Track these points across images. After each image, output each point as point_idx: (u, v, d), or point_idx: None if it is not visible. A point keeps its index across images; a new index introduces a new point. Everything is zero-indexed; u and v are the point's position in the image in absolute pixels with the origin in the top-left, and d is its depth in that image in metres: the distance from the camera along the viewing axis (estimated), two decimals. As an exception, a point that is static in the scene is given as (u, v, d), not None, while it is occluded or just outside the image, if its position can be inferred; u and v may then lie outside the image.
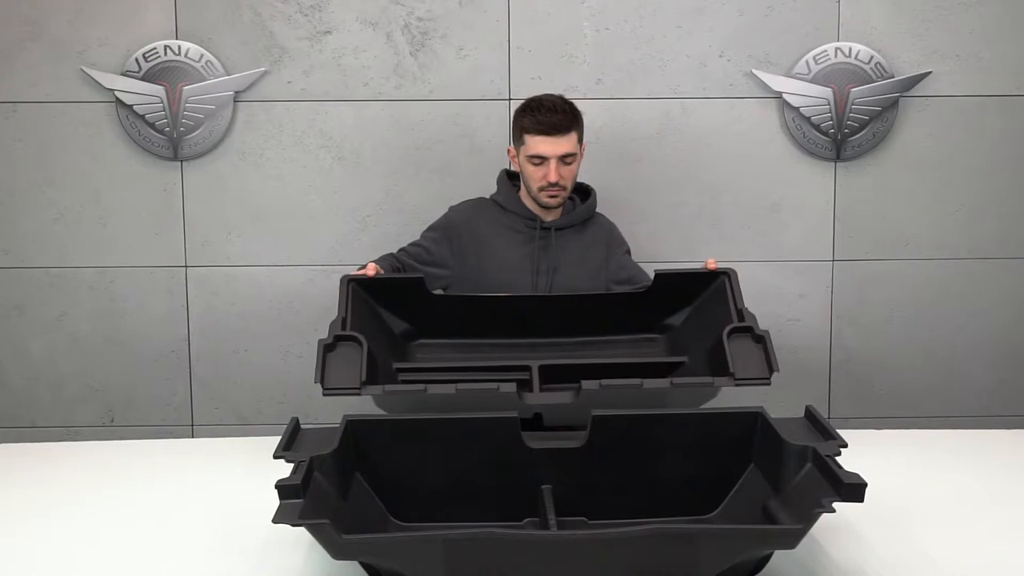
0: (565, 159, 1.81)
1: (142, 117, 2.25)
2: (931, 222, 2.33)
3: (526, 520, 1.25)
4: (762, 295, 2.33)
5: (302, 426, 1.25)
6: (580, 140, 1.86)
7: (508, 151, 1.93)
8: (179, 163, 2.28)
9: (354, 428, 1.23)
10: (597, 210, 2.03)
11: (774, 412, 2.48)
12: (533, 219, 1.88)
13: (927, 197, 2.32)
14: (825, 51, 2.25)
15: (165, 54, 2.24)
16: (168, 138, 2.26)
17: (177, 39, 2.24)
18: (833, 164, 2.30)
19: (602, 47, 2.26)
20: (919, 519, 1.27)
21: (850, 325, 2.35)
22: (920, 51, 2.26)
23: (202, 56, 2.24)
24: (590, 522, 1.24)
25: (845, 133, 2.27)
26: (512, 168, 1.95)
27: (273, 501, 1.30)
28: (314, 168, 2.29)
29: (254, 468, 1.46)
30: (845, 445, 1.15)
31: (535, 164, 1.82)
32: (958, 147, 2.30)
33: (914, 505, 1.32)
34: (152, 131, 2.26)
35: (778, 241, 2.33)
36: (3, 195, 2.29)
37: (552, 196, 1.84)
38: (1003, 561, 1.15)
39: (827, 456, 1.10)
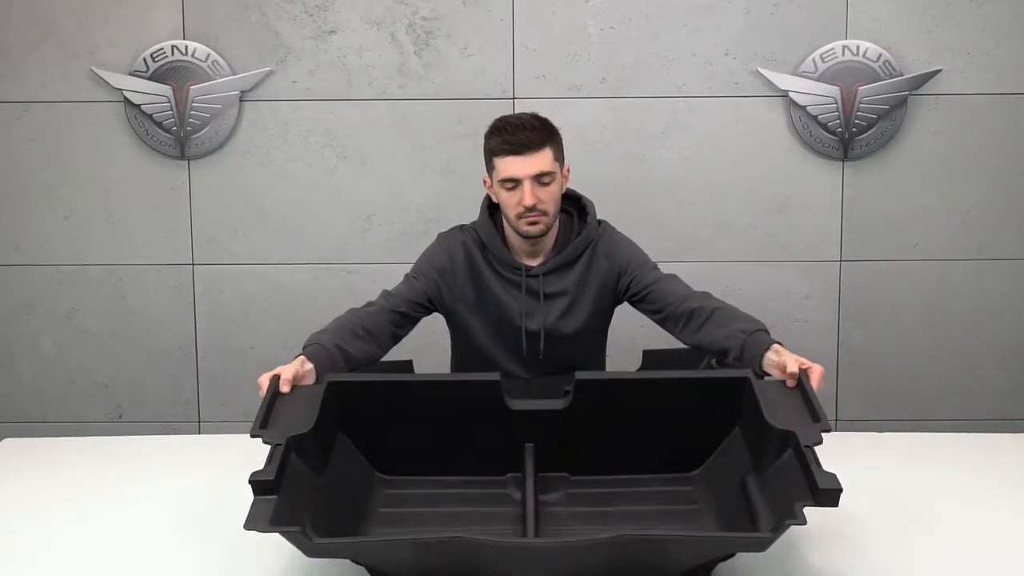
0: (541, 179, 1.61)
1: (150, 116, 2.34)
2: (941, 222, 2.36)
3: (508, 475, 1.30)
4: (769, 295, 2.38)
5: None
6: (559, 159, 1.65)
7: (484, 181, 1.71)
8: (186, 162, 2.37)
9: (336, 390, 1.27)
10: (606, 221, 1.80)
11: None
12: (518, 268, 1.70)
13: (937, 197, 2.35)
14: (832, 49, 2.29)
15: (172, 54, 2.32)
16: (175, 137, 2.35)
17: (184, 39, 2.33)
18: (841, 163, 2.34)
19: (607, 46, 2.32)
20: (923, 523, 1.27)
21: (858, 326, 2.40)
22: (930, 49, 2.30)
23: (209, 56, 2.32)
24: (572, 478, 1.29)
25: (853, 132, 2.31)
26: (492, 198, 1.73)
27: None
28: (319, 167, 2.37)
29: (260, 464, 1.52)
30: (828, 429, 1.16)
31: (508, 189, 1.62)
32: (968, 146, 2.33)
33: (918, 509, 1.32)
34: (159, 130, 2.35)
35: (785, 241, 2.38)
36: (15, 194, 2.39)
37: (532, 223, 1.63)
38: (1006, 569, 1.15)
39: (807, 447, 1.11)
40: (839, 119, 2.31)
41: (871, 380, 2.42)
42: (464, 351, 1.79)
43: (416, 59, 2.33)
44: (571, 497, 1.30)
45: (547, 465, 1.28)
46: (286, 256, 2.40)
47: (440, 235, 1.79)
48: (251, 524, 1.03)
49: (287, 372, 1.33)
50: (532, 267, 1.71)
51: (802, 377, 1.28)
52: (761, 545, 1.04)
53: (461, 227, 1.77)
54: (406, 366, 1.65)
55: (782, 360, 1.34)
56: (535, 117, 1.65)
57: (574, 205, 1.77)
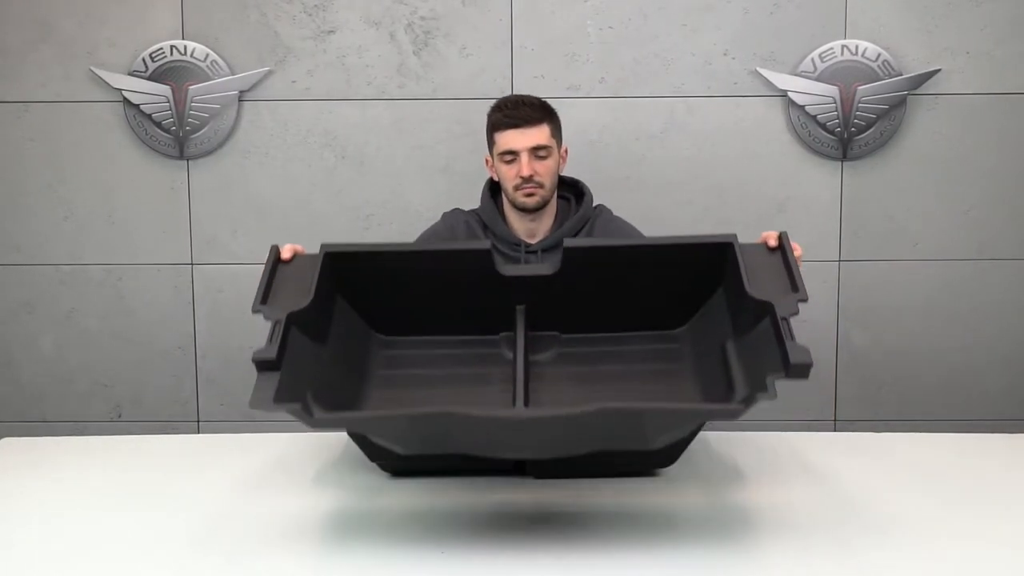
0: (538, 152, 1.73)
1: (149, 116, 2.36)
2: (941, 222, 2.37)
3: (501, 335, 1.38)
4: (767, 295, 2.40)
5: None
6: (555, 136, 1.77)
7: (485, 161, 1.84)
8: (185, 162, 2.39)
9: (333, 260, 1.33)
10: (603, 205, 1.92)
11: (780, 415, 2.54)
12: (518, 244, 1.79)
13: (936, 197, 2.36)
14: (831, 48, 2.30)
15: (171, 54, 2.34)
16: (174, 137, 2.37)
17: (183, 39, 2.34)
18: (840, 163, 2.35)
19: (606, 46, 2.33)
20: (921, 524, 1.28)
21: (857, 326, 2.41)
22: (929, 48, 2.31)
23: (208, 56, 2.34)
24: (563, 336, 1.38)
25: (852, 132, 2.32)
26: (493, 177, 1.86)
27: (275, 497, 1.39)
28: (318, 167, 2.38)
29: (258, 464, 1.54)
30: (805, 299, 1.23)
31: (507, 162, 1.74)
32: (968, 146, 2.34)
33: (916, 510, 1.33)
34: (159, 130, 2.36)
35: (784, 241, 2.38)
36: (15, 193, 2.41)
37: (528, 195, 1.73)
38: (1006, 570, 1.15)
39: (783, 319, 1.17)
40: (838, 119, 2.32)
41: (870, 380, 2.43)
42: None
43: (415, 59, 2.35)
44: (561, 356, 1.38)
45: (539, 325, 1.35)
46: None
47: (444, 213, 1.90)
48: (256, 403, 1.09)
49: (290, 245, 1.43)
50: (531, 244, 1.78)
51: (783, 239, 1.35)
52: (733, 415, 1.10)
53: (463, 209, 1.89)
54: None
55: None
56: (535, 98, 1.79)
57: (572, 192, 1.87)
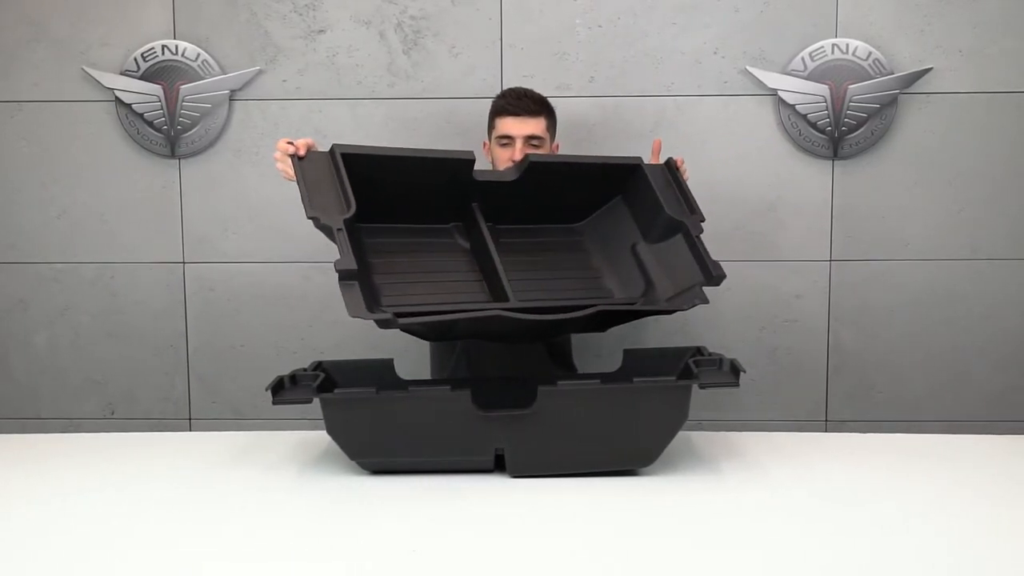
0: (531, 141, 1.95)
1: (140, 116, 2.44)
2: (933, 222, 2.42)
3: (451, 224, 1.79)
4: (758, 295, 2.46)
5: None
6: (550, 131, 2.00)
7: (483, 145, 2.08)
8: (176, 161, 2.47)
9: (344, 159, 1.64)
10: None
11: (772, 415, 2.59)
12: None
13: (928, 196, 2.42)
14: (822, 47, 2.35)
15: (163, 54, 2.42)
16: (166, 136, 2.44)
17: (175, 39, 2.42)
18: (831, 162, 2.41)
19: (595, 44, 2.39)
20: (910, 526, 1.30)
21: (848, 326, 2.46)
22: (921, 47, 2.36)
23: (199, 55, 2.41)
24: (497, 226, 1.79)
25: (843, 131, 2.38)
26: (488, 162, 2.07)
27: (265, 494, 1.46)
28: (309, 166, 2.45)
29: (248, 461, 1.62)
30: (704, 220, 1.72)
31: (503, 145, 1.97)
32: (961, 145, 2.39)
33: (906, 511, 1.34)
34: (150, 129, 2.44)
35: (775, 241, 2.44)
36: (9, 192, 2.49)
37: None
38: (995, 571, 1.15)
39: (697, 237, 1.66)
40: (828, 118, 2.37)
41: (861, 380, 2.49)
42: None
43: (405, 58, 2.42)
44: (501, 247, 1.74)
45: (490, 215, 1.76)
46: (276, 254, 2.50)
47: None
48: (355, 313, 1.36)
49: (302, 140, 1.67)
50: None
51: (671, 167, 1.81)
52: (670, 312, 1.70)
53: None
54: (387, 364, 1.75)
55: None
56: (537, 93, 2.03)
57: None
